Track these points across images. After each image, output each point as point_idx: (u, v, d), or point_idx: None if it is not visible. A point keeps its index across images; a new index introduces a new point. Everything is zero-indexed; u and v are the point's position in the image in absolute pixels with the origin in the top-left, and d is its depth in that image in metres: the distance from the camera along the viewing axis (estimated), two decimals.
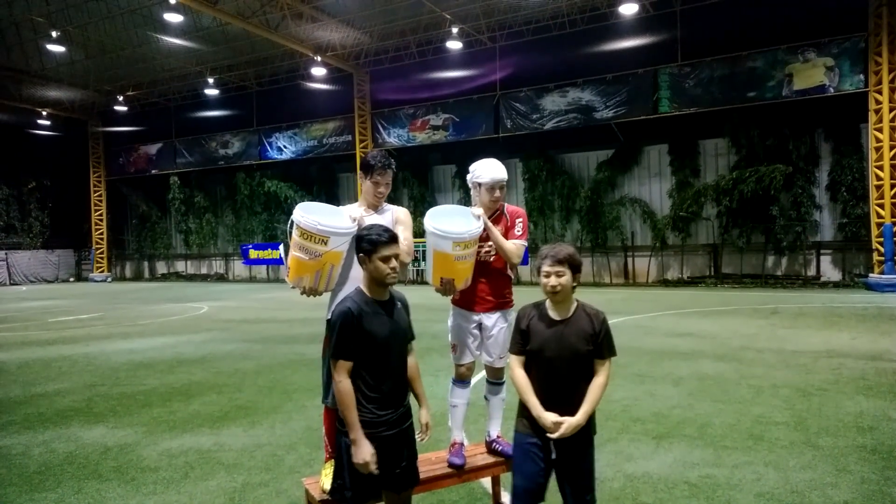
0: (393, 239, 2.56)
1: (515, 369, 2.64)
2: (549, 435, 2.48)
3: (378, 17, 21.71)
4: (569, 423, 2.46)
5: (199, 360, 8.53)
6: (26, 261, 32.91)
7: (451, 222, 3.19)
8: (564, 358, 2.53)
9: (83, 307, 17.79)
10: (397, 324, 2.62)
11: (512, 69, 22.50)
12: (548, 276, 2.54)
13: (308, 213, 2.91)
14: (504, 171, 3.39)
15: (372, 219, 3.05)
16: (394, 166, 3.24)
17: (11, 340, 11.05)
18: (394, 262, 2.54)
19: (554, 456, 2.54)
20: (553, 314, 2.60)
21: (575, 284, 2.57)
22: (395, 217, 3.25)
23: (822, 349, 8.01)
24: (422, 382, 2.79)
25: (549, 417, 2.48)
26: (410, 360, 2.74)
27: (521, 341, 2.63)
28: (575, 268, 2.56)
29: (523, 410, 2.63)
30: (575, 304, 2.61)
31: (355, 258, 3.00)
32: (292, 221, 2.92)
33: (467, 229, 3.12)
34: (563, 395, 2.55)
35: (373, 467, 2.45)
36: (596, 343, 2.54)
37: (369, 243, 2.54)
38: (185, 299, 19.78)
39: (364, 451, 2.44)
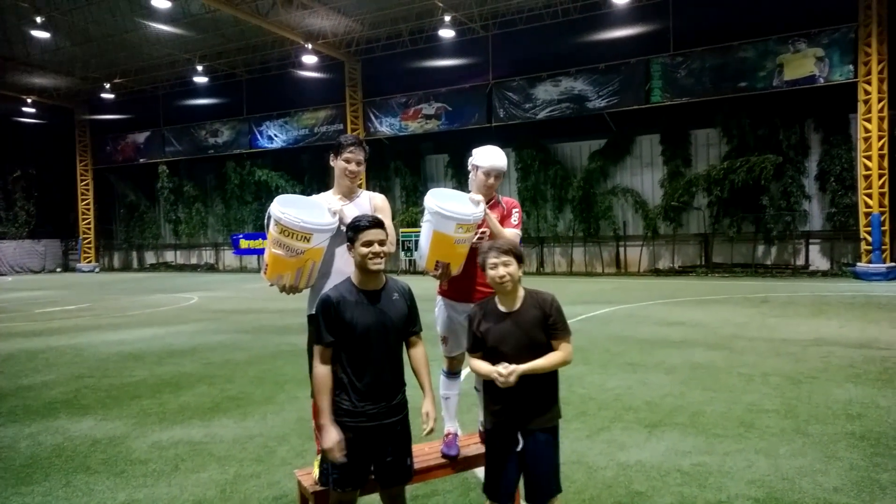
0: (375, 224, 2.57)
1: (473, 360, 2.65)
2: (498, 381, 2.46)
3: (370, 5, 21.48)
4: (513, 368, 2.45)
5: (189, 351, 8.46)
6: (12, 251, 32.51)
7: (452, 205, 3.15)
8: (521, 349, 2.52)
9: (70, 298, 17.61)
10: (385, 315, 2.56)
11: (505, 58, 22.35)
12: (494, 266, 2.55)
13: (286, 207, 2.80)
14: (504, 160, 3.38)
15: (349, 208, 3.00)
16: (366, 148, 3.20)
17: None
18: (376, 248, 2.52)
19: (520, 447, 2.54)
20: (502, 307, 2.61)
21: (520, 275, 2.59)
22: (374, 205, 3.17)
23: (812, 337, 8.08)
24: (428, 375, 2.72)
25: (497, 368, 2.48)
26: (417, 352, 2.72)
27: (476, 341, 2.63)
28: (519, 258, 2.59)
29: (487, 406, 2.65)
30: (522, 294, 2.63)
31: (336, 251, 2.97)
32: (269, 216, 2.84)
33: (471, 212, 3.10)
34: (526, 387, 2.53)
35: (337, 455, 2.43)
36: (549, 325, 2.55)
37: (353, 230, 2.56)
38: (174, 290, 19.63)
39: (328, 438, 2.45)
